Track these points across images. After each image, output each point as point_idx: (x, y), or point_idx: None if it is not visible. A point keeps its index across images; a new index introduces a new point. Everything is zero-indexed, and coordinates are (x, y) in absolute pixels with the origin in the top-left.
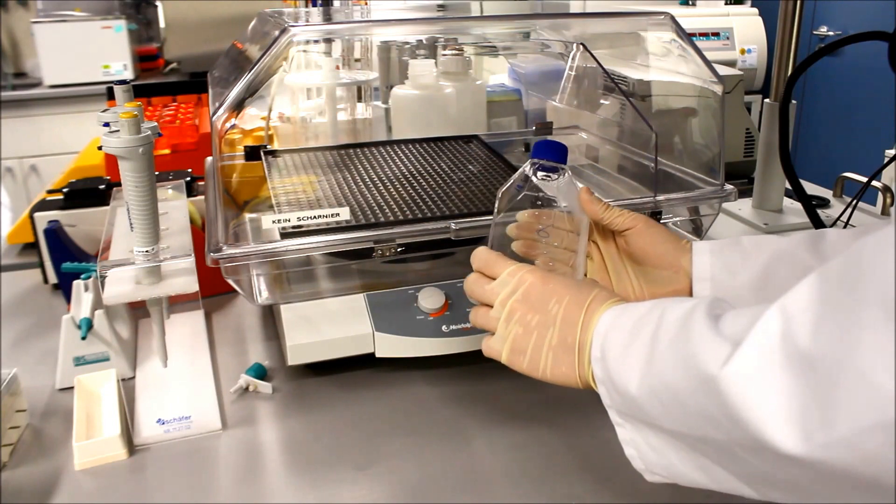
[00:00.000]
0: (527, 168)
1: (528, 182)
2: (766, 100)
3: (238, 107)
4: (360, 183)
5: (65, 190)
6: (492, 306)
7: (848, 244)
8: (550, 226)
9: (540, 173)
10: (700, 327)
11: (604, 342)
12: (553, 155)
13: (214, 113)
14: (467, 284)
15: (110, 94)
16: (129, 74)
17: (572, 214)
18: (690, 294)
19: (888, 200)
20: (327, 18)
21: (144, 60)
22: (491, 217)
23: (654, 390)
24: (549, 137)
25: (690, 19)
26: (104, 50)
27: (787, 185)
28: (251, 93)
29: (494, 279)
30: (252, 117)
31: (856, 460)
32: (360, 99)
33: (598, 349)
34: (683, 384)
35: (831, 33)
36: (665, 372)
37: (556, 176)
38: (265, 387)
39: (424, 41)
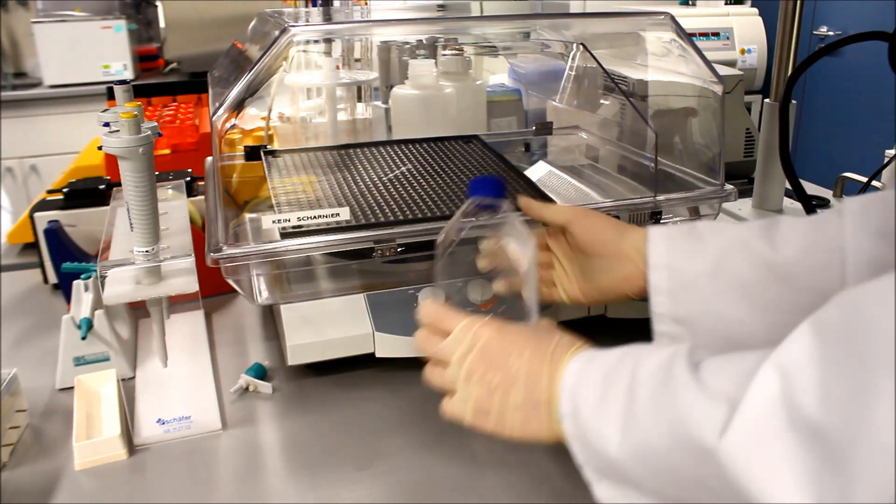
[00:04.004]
0: (465, 208)
1: (468, 222)
2: (766, 100)
3: (238, 107)
4: (360, 183)
5: (65, 190)
6: (447, 364)
7: (802, 235)
8: (497, 267)
9: (478, 209)
10: (684, 385)
11: (574, 396)
12: (491, 191)
13: (214, 113)
14: (417, 341)
15: (110, 94)
16: (129, 74)
17: (517, 248)
18: (641, 282)
19: None
20: (327, 18)
21: (144, 60)
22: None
23: (639, 454)
24: (486, 174)
25: (690, 19)
26: (104, 50)
27: (787, 185)
28: (251, 93)
29: (448, 333)
30: (252, 117)
31: None
32: (359, 99)
33: (567, 403)
34: (674, 452)
35: (831, 33)
36: (650, 436)
37: (496, 213)
38: (265, 387)
39: (424, 41)
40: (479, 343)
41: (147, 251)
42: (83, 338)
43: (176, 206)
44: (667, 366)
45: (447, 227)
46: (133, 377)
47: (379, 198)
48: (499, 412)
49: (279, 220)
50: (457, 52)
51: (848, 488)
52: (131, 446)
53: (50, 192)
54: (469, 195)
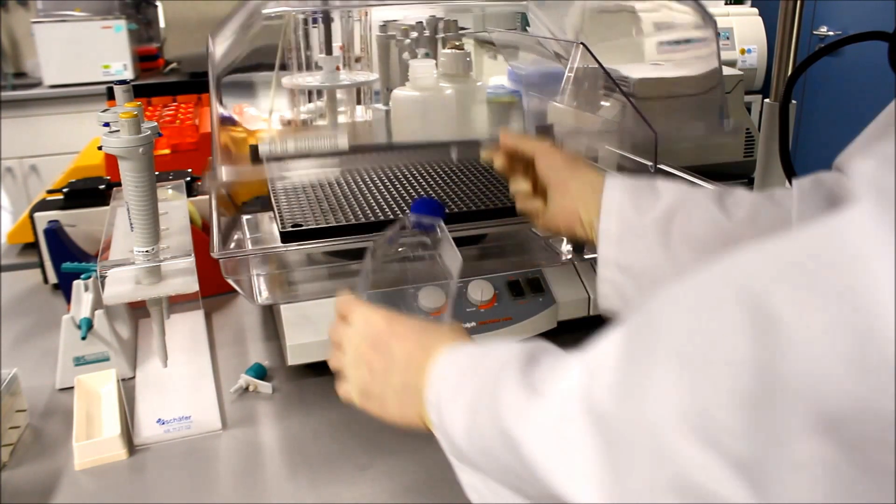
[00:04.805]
0: (403, 222)
1: (402, 235)
2: (766, 100)
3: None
4: (361, 183)
5: (65, 190)
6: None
7: (753, 202)
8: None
9: (416, 229)
10: (511, 378)
11: (437, 385)
12: (430, 211)
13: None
14: (329, 328)
15: (110, 94)
16: (129, 74)
17: (444, 264)
18: (572, 218)
19: None
20: None
21: (144, 60)
22: (490, 219)
23: (475, 442)
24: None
25: None
26: (104, 50)
27: (788, 185)
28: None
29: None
30: (253, 117)
31: None
32: (359, 101)
33: (433, 393)
34: (492, 439)
35: (831, 33)
36: (482, 423)
37: (431, 232)
38: (265, 387)
39: (424, 23)
40: (369, 329)
41: (147, 251)
42: (83, 338)
43: (176, 206)
44: (506, 359)
45: (382, 237)
46: (133, 377)
47: (379, 198)
48: (380, 396)
49: (270, 144)
50: (457, 47)
51: (624, 479)
52: (131, 446)
53: (50, 192)
54: (411, 212)
